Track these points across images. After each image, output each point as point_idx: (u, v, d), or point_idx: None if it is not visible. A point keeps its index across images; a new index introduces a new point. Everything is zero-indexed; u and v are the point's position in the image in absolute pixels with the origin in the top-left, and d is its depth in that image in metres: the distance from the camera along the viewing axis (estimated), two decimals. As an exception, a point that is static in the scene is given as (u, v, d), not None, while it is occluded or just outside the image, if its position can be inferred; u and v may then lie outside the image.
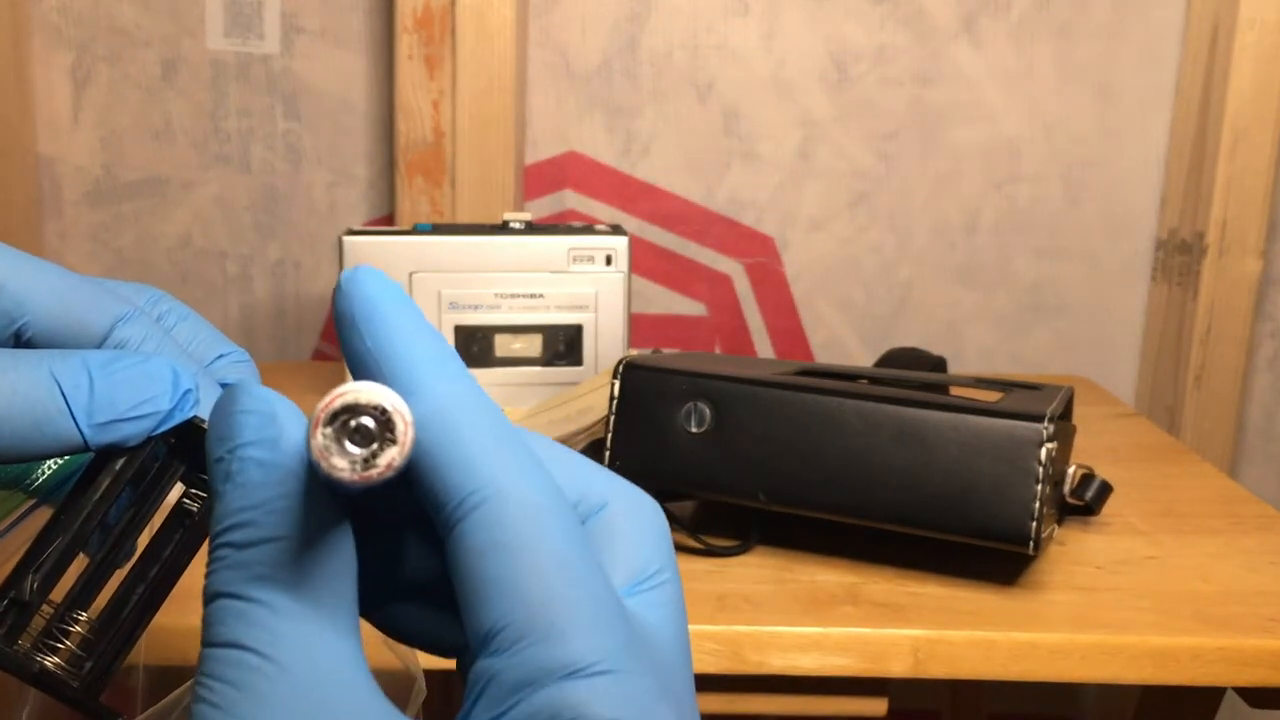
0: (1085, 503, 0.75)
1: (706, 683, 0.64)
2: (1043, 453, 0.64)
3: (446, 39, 1.09)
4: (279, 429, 0.28)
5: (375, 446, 0.24)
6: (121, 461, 0.34)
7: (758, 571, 0.69)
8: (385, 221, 1.18)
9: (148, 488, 0.34)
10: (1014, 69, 1.17)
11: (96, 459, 0.34)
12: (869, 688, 0.65)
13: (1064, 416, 0.73)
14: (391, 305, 0.30)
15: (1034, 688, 1.05)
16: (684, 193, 1.19)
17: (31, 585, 0.32)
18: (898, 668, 0.63)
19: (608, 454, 0.72)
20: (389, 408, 0.24)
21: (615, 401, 0.73)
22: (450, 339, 0.93)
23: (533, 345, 0.94)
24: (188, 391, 0.33)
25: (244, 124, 1.17)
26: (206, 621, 0.27)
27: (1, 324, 0.34)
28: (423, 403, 0.28)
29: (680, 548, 0.72)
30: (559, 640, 0.26)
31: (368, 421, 0.24)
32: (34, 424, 0.32)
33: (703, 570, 0.69)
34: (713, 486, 0.70)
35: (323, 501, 0.27)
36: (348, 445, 0.24)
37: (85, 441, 0.32)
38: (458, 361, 0.30)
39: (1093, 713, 1.26)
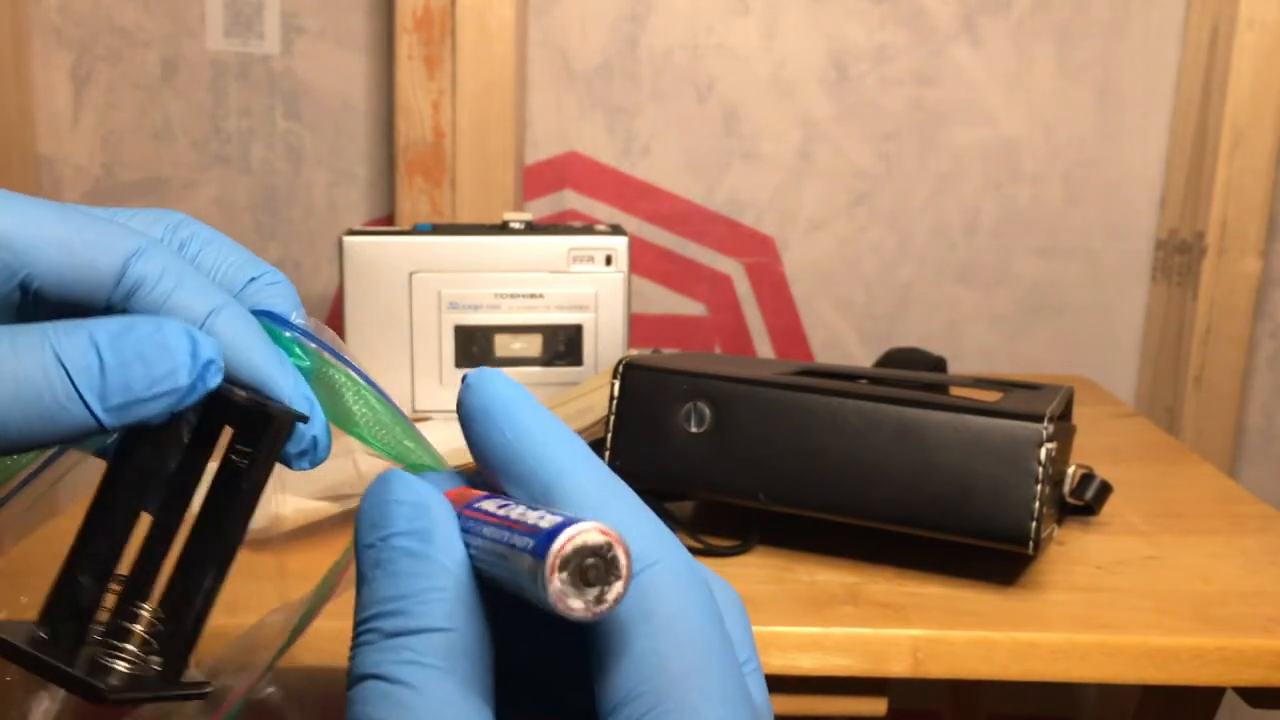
0: (1085, 503, 0.75)
1: (706, 683, 0.64)
2: (1042, 453, 0.64)
3: (446, 39, 1.09)
4: (431, 522, 0.28)
5: (604, 585, 0.26)
6: (149, 443, 0.32)
7: (758, 571, 0.69)
8: (385, 221, 1.18)
9: (185, 461, 0.32)
10: (1014, 69, 1.17)
11: (123, 438, 0.32)
12: (869, 688, 0.65)
13: (1064, 416, 0.73)
14: (525, 402, 0.30)
15: (1034, 688, 1.05)
16: (684, 193, 1.19)
17: (85, 593, 0.31)
18: (898, 668, 0.63)
19: (608, 454, 0.72)
20: (616, 548, 0.26)
21: (615, 401, 0.73)
22: (450, 339, 0.93)
23: (533, 345, 0.94)
24: (209, 362, 0.31)
25: (244, 124, 1.17)
26: (352, 700, 0.27)
27: (2, 277, 0.31)
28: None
29: (680, 548, 0.72)
30: (693, 713, 0.26)
31: (596, 561, 0.26)
32: (41, 413, 0.29)
33: (703, 570, 0.69)
34: (713, 486, 0.70)
35: (473, 598, 0.28)
36: (582, 586, 0.26)
37: (102, 426, 0.30)
38: (584, 447, 0.31)
39: (1093, 713, 1.26)
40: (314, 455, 0.34)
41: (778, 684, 0.64)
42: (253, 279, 0.35)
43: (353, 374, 0.35)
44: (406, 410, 0.94)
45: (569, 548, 0.25)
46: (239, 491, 0.32)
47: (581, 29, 1.16)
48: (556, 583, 0.25)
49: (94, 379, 0.30)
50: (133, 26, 1.15)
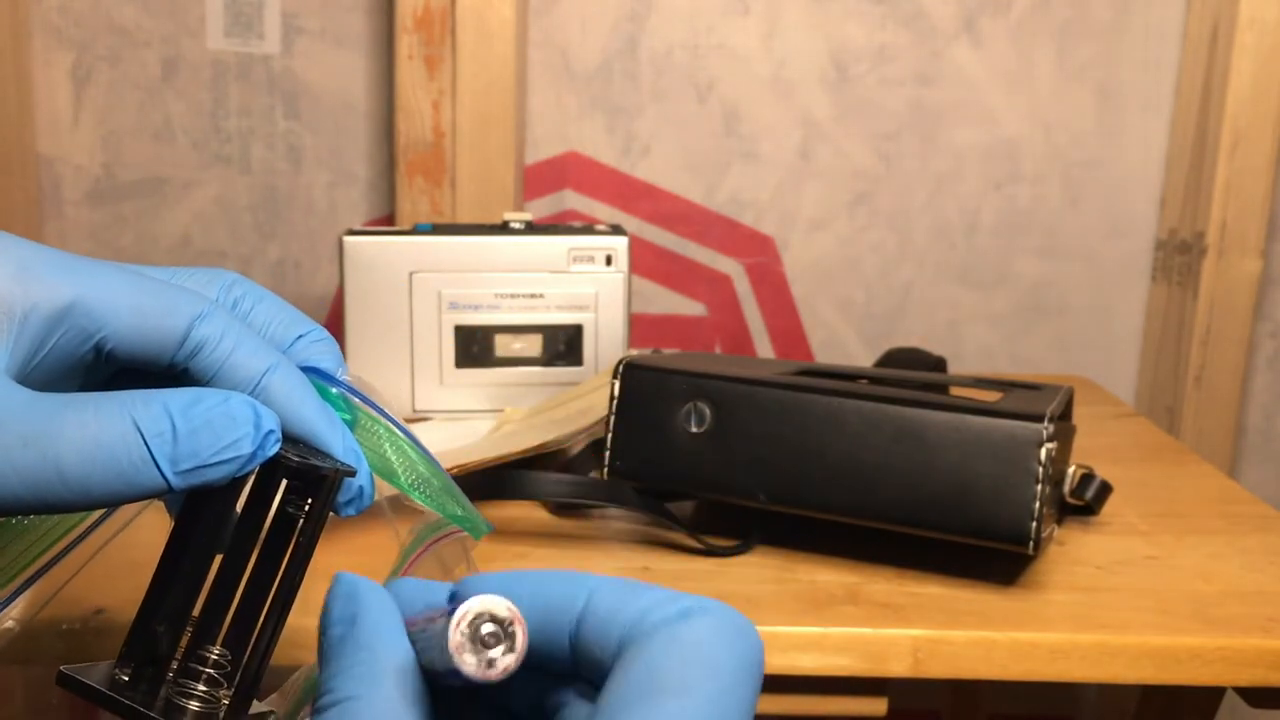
0: (1085, 503, 0.75)
1: (707, 683, 0.64)
2: (1042, 453, 0.64)
3: (446, 39, 1.09)
4: (358, 606, 0.31)
5: (498, 652, 0.28)
6: (217, 502, 0.34)
7: (758, 571, 0.69)
8: (385, 221, 1.19)
9: (246, 515, 0.35)
10: (1014, 69, 1.18)
11: (189, 496, 0.35)
12: (869, 687, 0.65)
13: (1064, 416, 0.73)
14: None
15: (1034, 687, 1.05)
16: (684, 193, 1.20)
17: (163, 640, 0.34)
18: (898, 667, 0.63)
19: (608, 454, 0.72)
20: (517, 625, 0.29)
21: (615, 401, 0.73)
22: (450, 339, 0.94)
23: (533, 345, 0.94)
24: (269, 433, 0.34)
25: (244, 124, 1.17)
26: None
27: (79, 340, 0.34)
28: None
29: (680, 548, 0.72)
30: None
31: (494, 628, 0.29)
32: (119, 474, 0.32)
33: (703, 570, 0.69)
34: (713, 486, 0.71)
35: (397, 674, 0.30)
36: (479, 647, 0.29)
37: (170, 488, 0.33)
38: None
39: (1092, 713, 1.26)
40: (359, 503, 0.37)
41: (778, 684, 0.64)
42: (300, 336, 0.39)
43: (392, 427, 0.38)
44: (407, 410, 0.94)
45: (474, 607, 0.28)
46: (297, 544, 0.35)
47: (581, 29, 1.16)
48: (457, 635, 0.28)
49: (167, 445, 0.33)
50: (133, 26, 1.15)
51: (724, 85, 1.18)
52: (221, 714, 0.33)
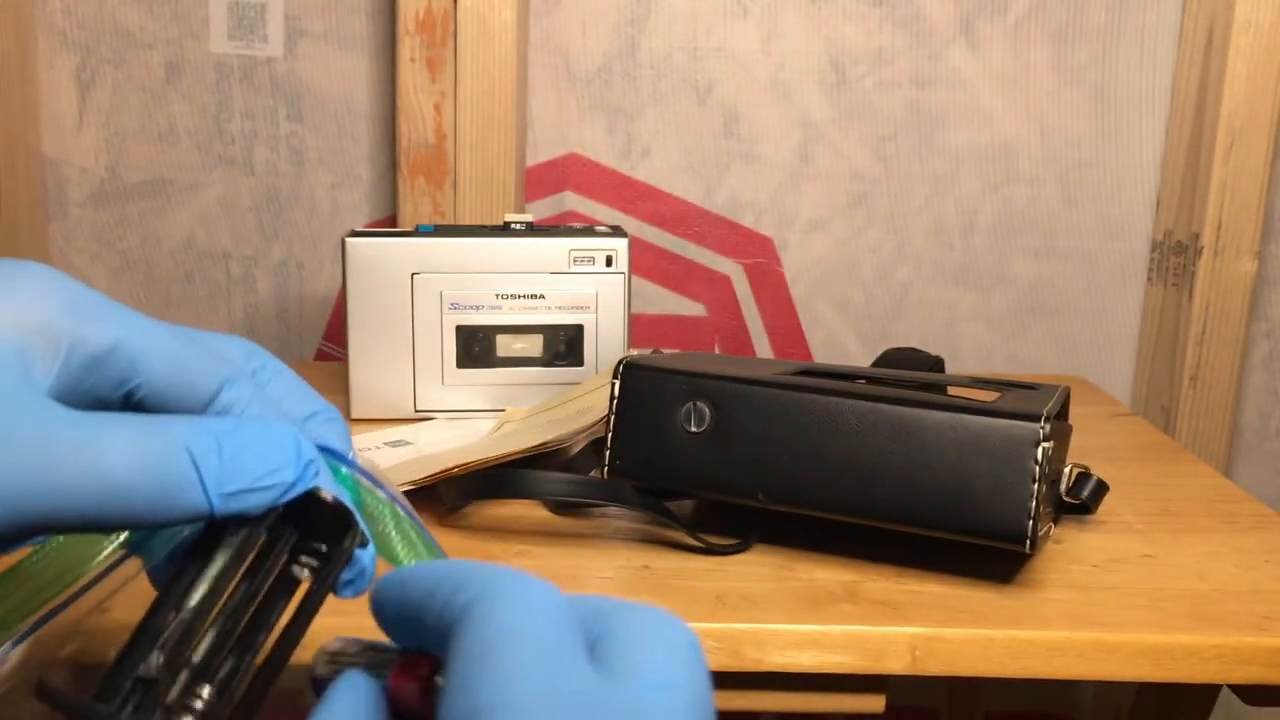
0: (1082, 501, 0.76)
1: (707, 680, 0.65)
2: (1039, 452, 0.64)
3: (448, 42, 1.10)
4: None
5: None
6: (244, 533, 0.34)
7: (757, 570, 0.70)
8: (387, 223, 1.19)
9: (260, 558, 0.35)
10: (1011, 71, 1.18)
11: (207, 529, 0.34)
12: (867, 685, 0.66)
13: (1060, 416, 0.73)
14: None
15: (1031, 685, 1.05)
16: (684, 194, 1.20)
17: (158, 661, 0.32)
18: (896, 665, 0.63)
19: (608, 453, 0.73)
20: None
21: (615, 401, 0.73)
22: (451, 339, 0.94)
23: (534, 345, 0.95)
24: (310, 462, 0.34)
25: (247, 126, 1.17)
26: None
27: (115, 384, 0.34)
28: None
29: (680, 546, 0.73)
30: None
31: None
32: (164, 493, 0.32)
33: (702, 569, 0.70)
34: (712, 486, 0.71)
35: None
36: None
37: (211, 511, 0.32)
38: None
39: (1089, 710, 1.27)
40: (359, 585, 0.37)
41: (777, 682, 0.65)
42: (314, 414, 0.39)
43: (398, 510, 0.38)
44: (408, 410, 0.95)
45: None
46: (311, 591, 0.34)
47: (582, 32, 1.17)
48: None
49: (213, 465, 0.32)
50: (136, 29, 1.16)
51: (723, 87, 1.18)
52: None
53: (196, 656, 0.33)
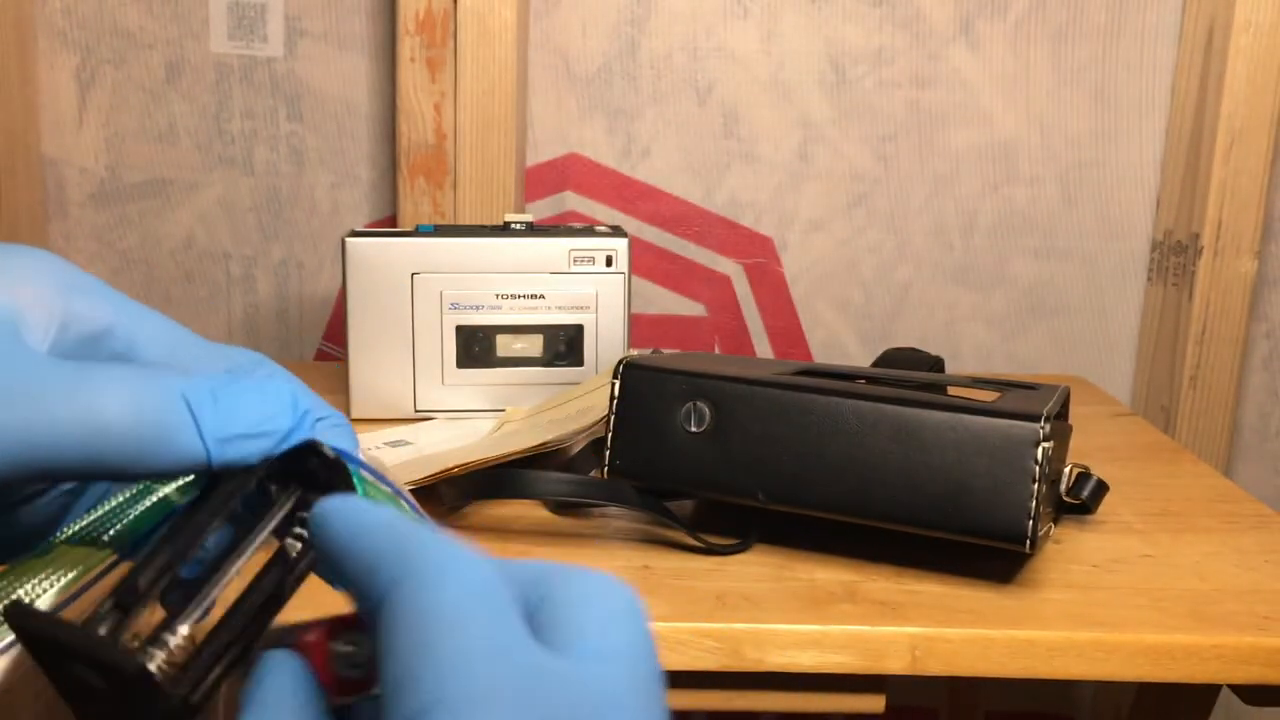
0: (1081, 501, 0.76)
1: (706, 680, 0.65)
2: (1039, 452, 0.64)
3: (448, 42, 1.10)
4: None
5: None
6: (237, 480, 0.33)
7: (757, 570, 0.70)
8: (387, 223, 1.19)
9: (258, 509, 0.34)
10: (1011, 71, 1.18)
11: (207, 487, 0.34)
12: (867, 685, 0.66)
13: (1060, 416, 0.73)
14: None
15: (1031, 685, 1.05)
16: (684, 194, 1.20)
17: (138, 586, 0.32)
18: (895, 665, 0.63)
19: (608, 453, 0.73)
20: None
21: (615, 401, 0.73)
22: (452, 339, 0.94)
23: (534, 345, 0.95)
24: (306, 412, 0.34)
25: (247, 126, 1.17)
26: None
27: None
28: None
29: (680, 546, 0.73)
30: None
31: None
32: (159, 437, 0.32)
33: (702, 569, 0.70)
34: (712, 486, 0.71)
35: None
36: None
37: (208, 456, 0.32)
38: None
39: (1089, 710, 1.27)
40: None
41: (777, 682, 0.65)
42: (321, 418, 0.38)
43: (406, 506, 0.37)
44: (408, 410, 0.95)
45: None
46: (284, 568, 0.33)
47: (582, 32, 1.17)
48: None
49: (208, 411, 0.32)
50: (136, 29, 1.16)
51: (723, 87, 1.18)
52: (175, 699, 0.30)
53: (179, 598, 0.32)
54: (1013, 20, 1.17)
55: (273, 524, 0.34)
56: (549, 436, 0.78)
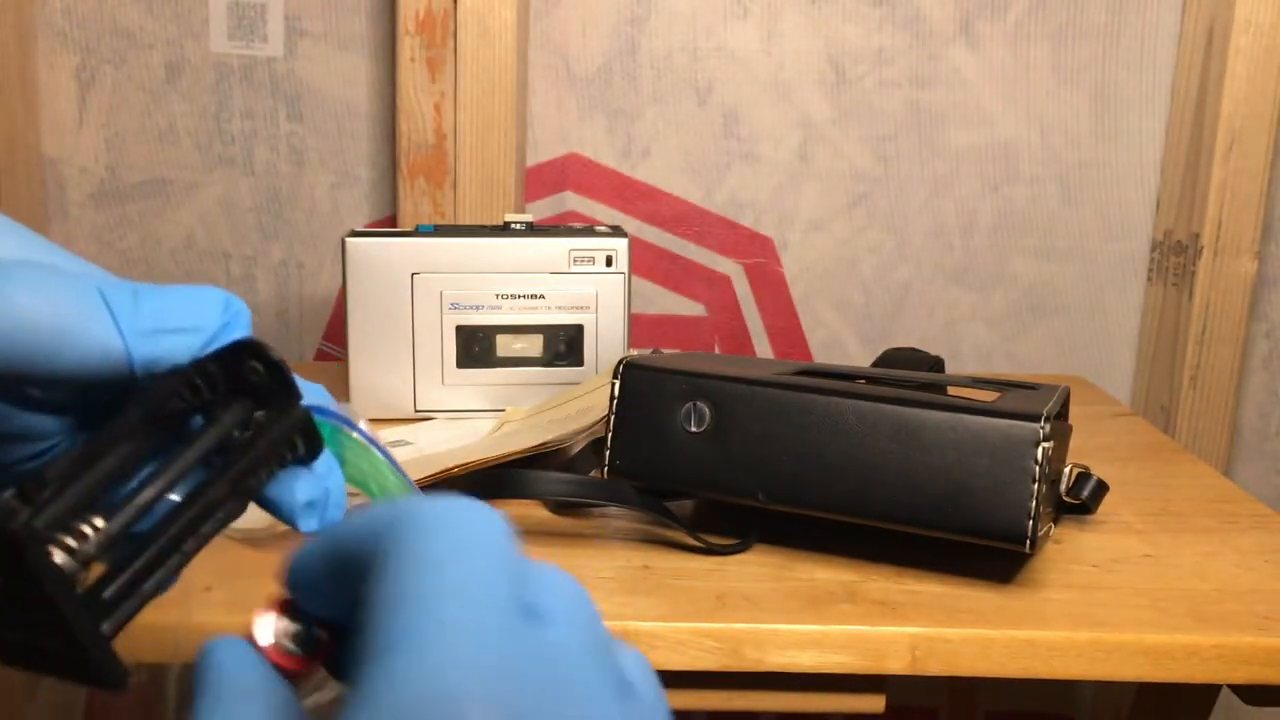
0: (1081, 501, 0.76)
1: (706, 680, 0.65)
2: (1039, 452, 0.64)
3: (448, 42, 1.10)
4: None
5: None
6: (164, 381, 0.30)
7: (757, 570, 0.70)
8: (387, 223, 1.19)
9: (187, 409, 0.31)
10: (1011, 71, 1.18)
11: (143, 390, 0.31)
12: (867, 685, 0.66)
13: (1060, 416, 0.73)
14: None
15: (1030, 685, 1.05)
16: (684, 194, 1.20)
17: (44, 476, 0.28)
18: (896, 665, 0.63)
19: (608, 453, 0.73)
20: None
21: (615, 401, 0.73)
22: (452, 339, 0.94)
23: (534, 345, 0.95)
24: (240, 312, 0.32)
25: (247, 126, 1.17)
26: None
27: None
28: None
29: (680, 546, 0.73)
30: None
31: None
32: (73, 325, 0.29)
33: (702, 569, 0.70)
34: (712, 486, 0.71)
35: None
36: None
37: (126, 349, 0.30)
38: None
39: (1089, 710, 1.27)
40: (324, 511, 0.33)
41: (777, 682, 0.65)
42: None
43: (376, 453, 0.36)
44: (408, 410, 0.95)
45: None
46: (241, 460, 0.31)
47: (582, 32, 1.17)
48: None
49: (128, 306, 0.30)
50: (137, 29, 1.16)
51: (723, 87, 1.18)
52: (81, 602, 0.27)
53: (100, 499, 0.29)
54: (1013, 20, 1.17)
55: (216, 438, 0.31)
56: (549, 436, 0.78)
